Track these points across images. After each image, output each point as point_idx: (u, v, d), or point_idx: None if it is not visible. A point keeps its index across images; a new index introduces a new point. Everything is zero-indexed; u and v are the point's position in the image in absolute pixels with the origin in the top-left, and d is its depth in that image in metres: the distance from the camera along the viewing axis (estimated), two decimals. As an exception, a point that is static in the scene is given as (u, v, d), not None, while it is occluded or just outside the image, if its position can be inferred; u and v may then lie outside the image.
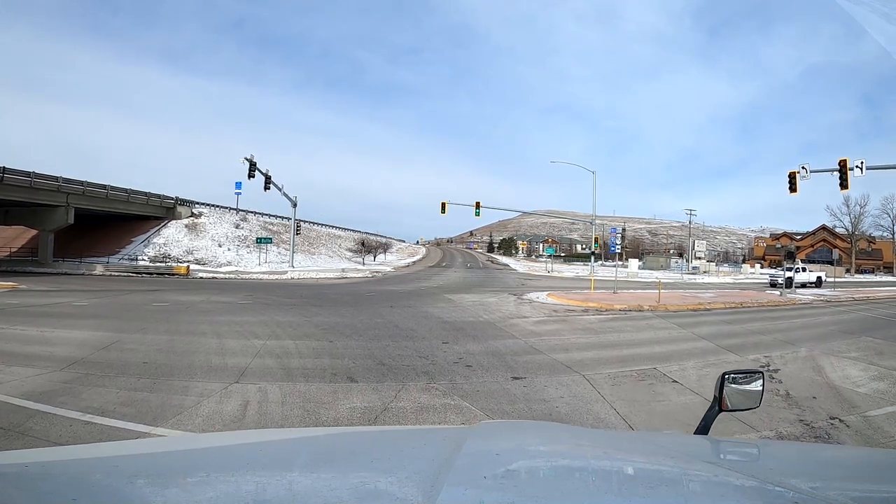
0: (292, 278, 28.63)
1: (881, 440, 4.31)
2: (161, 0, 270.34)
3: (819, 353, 8.08)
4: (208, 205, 43.93)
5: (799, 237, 76.57)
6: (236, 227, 41.68)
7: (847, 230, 62.94)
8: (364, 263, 44.81)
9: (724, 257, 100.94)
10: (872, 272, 63.52)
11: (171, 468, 1.10)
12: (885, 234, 64.10)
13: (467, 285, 24.86)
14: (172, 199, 39.71)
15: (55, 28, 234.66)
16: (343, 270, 34.48)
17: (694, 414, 4.25)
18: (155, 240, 36.18)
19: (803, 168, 19.46)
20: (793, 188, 19.76)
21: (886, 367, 7.11)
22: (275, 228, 44.77)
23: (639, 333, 10.39)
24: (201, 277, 27.90)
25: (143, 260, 33.03)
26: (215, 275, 29.53)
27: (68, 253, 32.19)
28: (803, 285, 28.73)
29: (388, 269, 41.60)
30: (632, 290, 22.34)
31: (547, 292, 19.56)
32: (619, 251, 30.56)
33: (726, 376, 1.58)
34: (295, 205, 35.02)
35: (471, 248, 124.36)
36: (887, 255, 64.87)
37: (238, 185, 42.16)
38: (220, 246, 37.78)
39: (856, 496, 1.01)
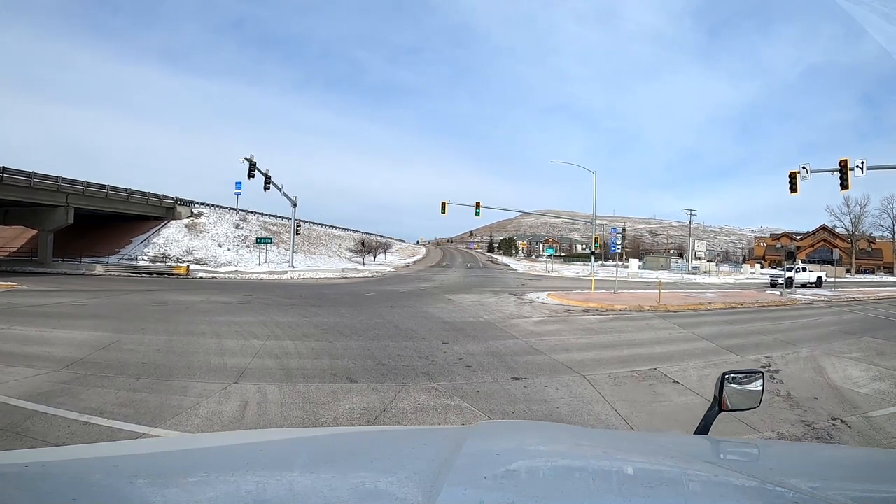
0: (292, 278, 28.63)
1: (883, 441, 4.30)
2: (161, 0, 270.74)
3: (820, 354, 8.07)
4: (208, 205, 43.94)
5: (799, 237, 76.57)
6: (236, 227, 41.69)
7: (847, 230, 62.97)
8: (364, 263, 44.81)
9: (725, 257, 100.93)
10: (873, 272, 63.52)
11: (171, 468, 1.10)
12: (885, 234, 64.17)
13: (467, 285, 24.86)
14: (172, 199, 39.73)
15: (55, 28, 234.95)
16: (343, 270, 34.48)
17: (695, 415, 4.24)
18: (155, 240, 36.19)
19: (804, 168, 19.46)
20: (793, 188, 19.76)
21: (888, 367, 7.10)
22: (275, 228, 44.77)
23: (639, 334, 10.38)
24: (201, 277, 27.90)
25: (142, 260, 33.03)
26: (215, 275, 29.53)
27: (68, 253, 32.20)
28: (804, 285, 28.72)
29: (388, 269, 41.59)
30: (632, 291, 22.33)
31: (547, 292, 19.56)
32: (619, 251, 30.57)
33: (726, 376, 1.58)
34: (295, 205, 35.05)
35: (471, 248, 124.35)
36: (887, 256, 64.86)
37: (238, 184, 42.30)
38: (219, 246, 37.78)
39: (856, 496, 1.01)
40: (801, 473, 1.20)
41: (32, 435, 3.86)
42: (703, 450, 1.44)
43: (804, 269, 31.73)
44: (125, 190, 34.91)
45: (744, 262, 75.13)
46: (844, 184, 18.43)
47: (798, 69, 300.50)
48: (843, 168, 18.31)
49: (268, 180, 30.91)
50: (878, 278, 54.02)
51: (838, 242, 63.19)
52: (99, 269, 29.21)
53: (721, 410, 1.58)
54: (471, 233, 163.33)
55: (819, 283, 31.57)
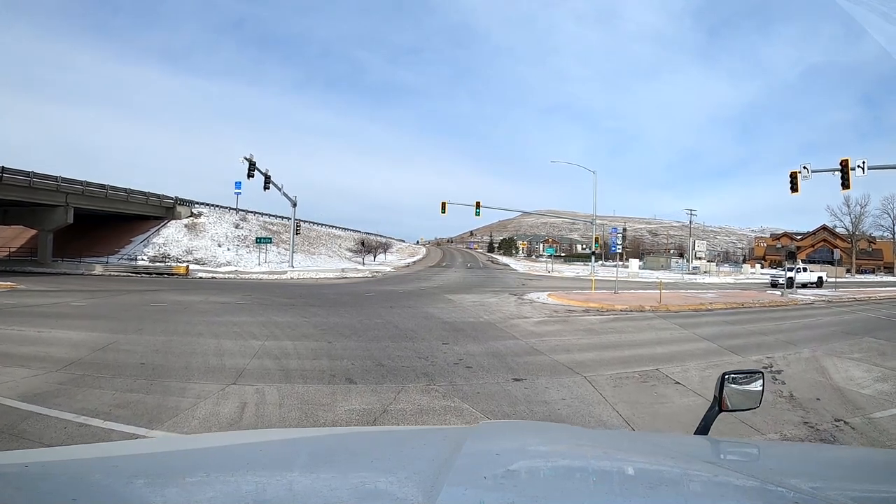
0: (292, 278, 28.62)
1: (886, 442, 4.29)
2: (161, 0, 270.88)
3: (822, 354, 8.06)
4: (208, 205, 43.96)
5: (799, 237, 76.62)
6: (236, 227, 41.70)
7: (848, 230, 63.01)
8: (364, 263, 44.80)
9: (725, 257, 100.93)
10: (873, 272, 63.54)
11: (171, 468, 1.09)
12: (885, 234, 64.21)
13: (467, 285, 24.85)
14: (172, 198, 39.75)
15: (55, 28, 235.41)
16: (343, 270, 34.48)
17: (698, 416, 4.19)
18: (154, 240, 36.20)
19: (805, 168, 19.47)
20: (794, 188, 19.77)
21: (890, 368, 7.09)
22: (274, 228, 44.79)
23: (640, 334, 10.37)
24: (201, 277, 27.90)
25: (142, 260, 33.02)
26: (215, 275, 29.53)
27: (67, 253, 32.20)
28: (804, 285, 28.71)
29: (388, 269, 41.59)
30: (632, 291, 22.33)
31: (547, 292, 19.55)
32: (619, 251, 30.51)
33: (726, 376, 1.58)
34: (295, 205, 35.07)
35: (471, 248, 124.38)
36: (888, 256, 64.87)
37: (238, 184, 42.38)
38: (219, 246, 37.78)
39: (856, 496, 1.01)
40: (801, 473, 1.20)
41: (28, 436, 3.85)
42: (703, 450, 1.43)
43: (805, 270, 31.74)
44: (125, 190, 34.93)
45: (744, 262, 75.14)
46: (846, 184, 18.44)
47: (798, 69, 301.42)
48: (845, 168, 18.32)
49: (267, 180, 30.93)
50: (878, 278, 54.01)
51: (839, 242, 63.20)
52: (98, 269, 29.21)
53: (721, 410, 1.57)
54: (471, 233, 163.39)
55: (820, 283, 31.58)
